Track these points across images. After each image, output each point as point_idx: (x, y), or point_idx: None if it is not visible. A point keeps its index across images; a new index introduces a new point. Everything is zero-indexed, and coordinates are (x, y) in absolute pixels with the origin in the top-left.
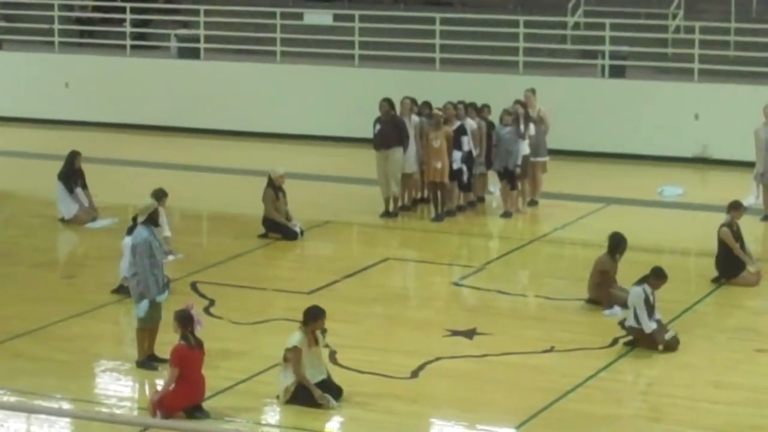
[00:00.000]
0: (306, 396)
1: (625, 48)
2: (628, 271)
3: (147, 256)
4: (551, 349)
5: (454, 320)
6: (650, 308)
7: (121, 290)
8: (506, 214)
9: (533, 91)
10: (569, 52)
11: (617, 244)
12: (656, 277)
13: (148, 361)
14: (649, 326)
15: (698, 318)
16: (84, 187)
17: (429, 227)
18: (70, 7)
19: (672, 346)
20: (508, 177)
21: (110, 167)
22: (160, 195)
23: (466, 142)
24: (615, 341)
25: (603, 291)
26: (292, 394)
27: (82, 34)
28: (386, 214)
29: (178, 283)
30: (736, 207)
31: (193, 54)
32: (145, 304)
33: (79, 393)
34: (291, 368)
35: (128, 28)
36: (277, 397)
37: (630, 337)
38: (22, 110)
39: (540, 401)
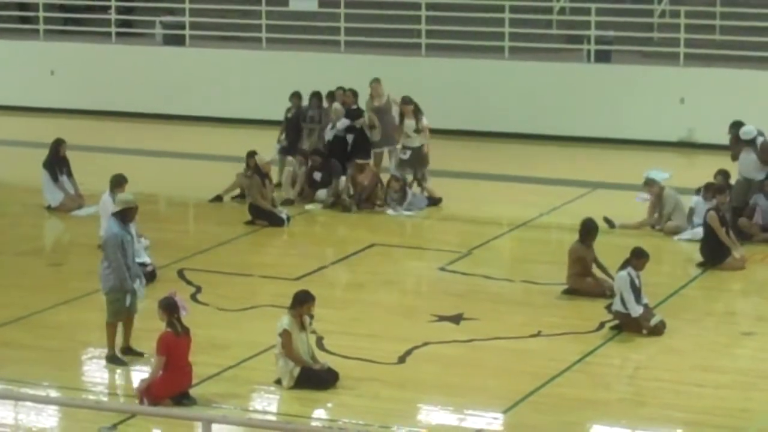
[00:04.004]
0: (310, 380)
1: (610, 33)
2: (615, 256)
3: (119, 249)
4: (538, 334)
5: (441, 305)
6: (636, 291)
7: None
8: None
9: (378, 80)
10: (555, 37)
11: (588, 230)
12: (637, 257)
13: (117, 357)
14: (636, 310)
15: (685, 302)
16: (69, 174)
17: (416, 213)
18: None
19: (658, 330)
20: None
21: (96, 155)
22: (120, 180)
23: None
24: (601, 325)
25: (582, 280)
26: (296, 380)
27: (66, 21)
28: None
29: (164, 270)
30: (720, 190)
31: (179, 41)
32: (140, 287)
33: (66, 380)
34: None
35: (113, 15)
36: (277, 382)
37: (616, 322)
38: (8, 98)
39: (527, 386)
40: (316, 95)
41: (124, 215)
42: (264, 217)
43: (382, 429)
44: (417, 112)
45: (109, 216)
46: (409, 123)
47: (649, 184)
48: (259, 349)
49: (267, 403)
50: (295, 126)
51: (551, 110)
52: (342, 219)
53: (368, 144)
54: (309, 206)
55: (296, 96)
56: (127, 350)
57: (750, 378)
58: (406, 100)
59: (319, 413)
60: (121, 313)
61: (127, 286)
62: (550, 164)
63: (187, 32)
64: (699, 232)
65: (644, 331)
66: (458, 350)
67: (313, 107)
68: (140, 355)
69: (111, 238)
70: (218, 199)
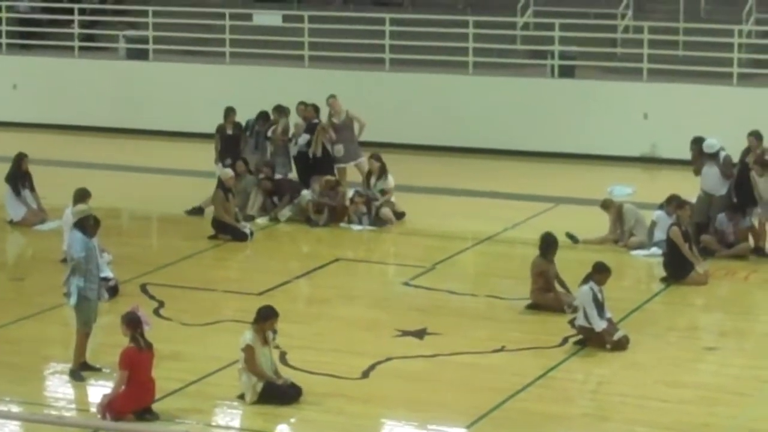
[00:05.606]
0: (274, 395)
1: (574, 48)
2: (578, 272)
3: (84, 257)
4: (501, 349)
5: (405, 320)
6: (599, 306)
7: None
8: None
9: (334, 96)
10: (519, 52)
11: (548, 244)
12: (599, 271)
13: (79, 372)
14: (599, 325)
15: (648, 317)
16: (32, 189)
17: (380, 228)
18: (16, 9)
19: (622, 345)
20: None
21: (58, 169)
22: (83, 195)
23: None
24: (565, 340)
25: (545, 295)
26: (260, 395)
27: (29, 35)
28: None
29: (127, 284)
30: (681, 205)
31: (142, 55)
32: (85, 301)
33: (28, 396)
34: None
35: (76, 30)
36: (240, 397)
37: (580, 336)
38: None
39: (490, 401)
40: (263, 114)
41: (83, 226)
42: (227, 231)
43: None
44: (383, 171)
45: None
46: (374, 181)
47: (606, 205)
48: (222, 364)
49: (230, 419)
50: (237, 142)
51: (515, 125)
52: (306, 234)
53: (330, 158)
54: (259, 220)
55: (233, 112)
56: (85, 365)
57: (713, 393)
58: (377, 157)
59: (283, 428)
60: (90, 321)
61: (92, 295)
62: (514, 179)
63: (150, 46)
64: (656, 251)
65: (608, 346)
66: (422, 365)
67: (260, 125)
68: (98, 370)
69: (76, 244)
70: (198, 211)
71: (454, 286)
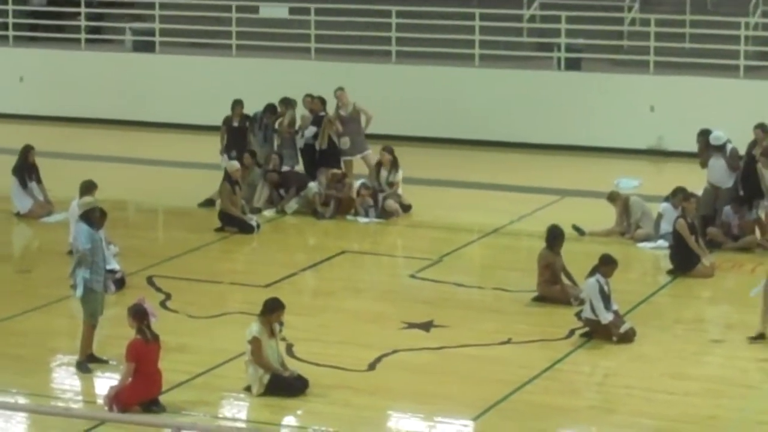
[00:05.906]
0: (280, 387)
1: (580, 41)
2: (584, 264)
3: (90, 249)
4: (508, 341)
5: (411, 313)
6: (606, 298)
7: None
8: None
9: (342, 89)
10: (525, 44)
11: (555, 236)
12: (605, 264)
13: (86, 364)
14: (606, 317)
15: (654, 309)
16: (38, 181)
17: (386, 220)
18: (24, 1)
19: (628, 337)
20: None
21: (65, 161)
22: (90, 187)
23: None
24: (571, 333)
25: (551, 287)
26: (266, 387)
27: (36, 27)
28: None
29: (134, 276)
30: (687, 198)
31: (148, 47)
32: (91, 293)
33: (35, 387)
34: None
35: (83, 22)
36: (247, 389)
37: (586, 329)
38: None
39: (497, 393)
40: (270, 107)
41: (88, 218)
42: (234, 224)
43: None
44: (394, 164)
45: (77, 221)
46: (384, 174)
47: (612, 198)
48: (228, 357)
49: (237, 411)
50: (243, 134)
51: (521, 118)
52: (312, 226)
53: (336, 150)
54: (265, 212)
55: (240, 104)
56: (91, 357)
57: (719, 385)
58: (389, 150)
59: (289, 420)
60: (97, 313)
61: (98, 286)
62: (521, 172)
63: (156, 39)
64: (662, 244)
65: (614, 338)
66: (428, 357)
67: (267, 117)
68: (104, 362)
69: (82, 236)
70: (210, 203)
71: (460, 279)
